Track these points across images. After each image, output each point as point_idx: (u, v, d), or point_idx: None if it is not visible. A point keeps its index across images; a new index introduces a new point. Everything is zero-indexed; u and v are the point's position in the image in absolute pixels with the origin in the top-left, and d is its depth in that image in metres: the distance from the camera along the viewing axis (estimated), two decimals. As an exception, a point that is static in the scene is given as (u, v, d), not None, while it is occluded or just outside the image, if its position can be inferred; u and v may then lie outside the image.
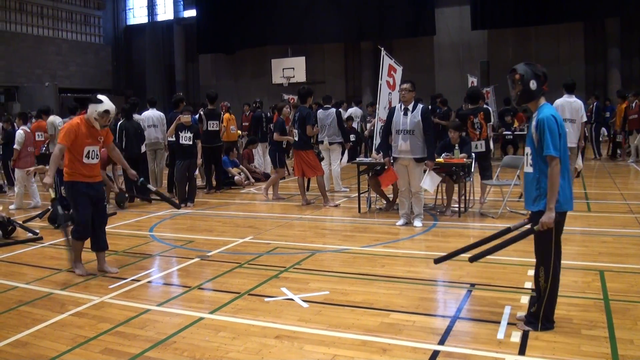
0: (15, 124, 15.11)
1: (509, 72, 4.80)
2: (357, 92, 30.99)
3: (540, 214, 4.57)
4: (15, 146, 12.53)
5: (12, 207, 12.24)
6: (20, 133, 12.56)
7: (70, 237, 6.95)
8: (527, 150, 4.76)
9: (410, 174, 8.97)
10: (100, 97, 6.93)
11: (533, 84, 4.66)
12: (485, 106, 11.65)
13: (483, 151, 10.50)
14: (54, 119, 14.80)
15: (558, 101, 10.95)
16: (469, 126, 10.44)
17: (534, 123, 4.63)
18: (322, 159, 12.42)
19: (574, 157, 10.91)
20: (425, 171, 8.99)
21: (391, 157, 9.13)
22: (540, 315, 4.66)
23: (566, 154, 4.59)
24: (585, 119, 11.46)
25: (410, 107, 8.92)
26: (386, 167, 9.45)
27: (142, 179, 7.34)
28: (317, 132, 11.91)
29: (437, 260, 5.50)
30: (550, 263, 4.59)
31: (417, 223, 9.08)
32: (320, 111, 12.73)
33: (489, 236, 5.13)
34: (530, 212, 4.75)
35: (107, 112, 6.83)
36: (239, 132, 21.64)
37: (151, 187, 7.47)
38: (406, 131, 8.85)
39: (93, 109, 6.82)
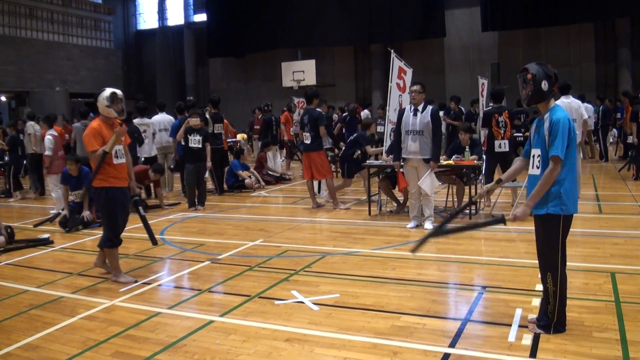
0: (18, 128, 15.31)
1: (520, 71, 4.73)
2: (367, 95, 30.99)
3: (545, 218, 4.57)
4: (46, 152, 12.56)
5: (53, 211, 12.17)
6: (49, 139, 12.58)
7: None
8: (536, 152, 4.66)
9: (419, 176, 8.93)
10: (102, 89, 6.91)
11: (545, 85, 4.58)
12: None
13: (506, 151, 10.37)
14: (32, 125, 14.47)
15: (556, 103, 10.82)
16: (493, 125, 10.26)
17: (546, 124, 4.55)
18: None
19: (578, 156, 10.83)
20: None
21: (401, 160, 9.12)
22: (554, 319, 4.62)
23: (574, 158, 4.57)
24: (586, 117, 11.33)
25: (420, 107, 8.91)
26: (397, 170, 9.49)
27: (137, 197, 7.29)
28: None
29: (413, 250, 5.57)
30: (557, 266, 4.56)
31: (428, 225, 9.05)
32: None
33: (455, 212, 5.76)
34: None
35: (114, 93, 6.75)
36: (244, 135, 21.73)
37: (141, 210, 7.41)
38: (415, 132, 8.83)
39: (101, 100, 6.72)
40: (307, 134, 11.23)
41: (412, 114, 8.93)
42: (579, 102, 11.23)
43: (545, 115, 4.63)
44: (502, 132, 10.25)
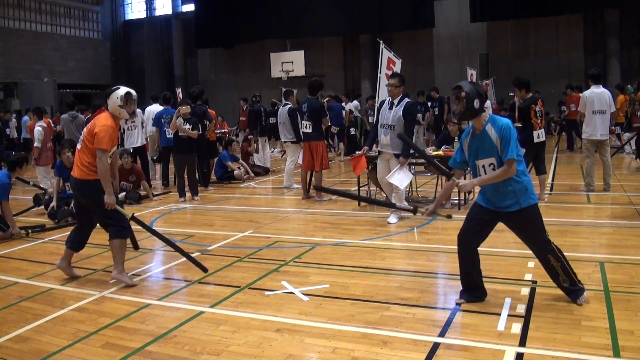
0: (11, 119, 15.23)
1: (453, 88, 4.94)
2: (357, 85, 30.97)
3: (523, 212, 4.89)
4: (35, 144, 12.59)
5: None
6: (39, 130, 12.59)
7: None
8: (486, 161, 4.88)
9: (391, 170, 8.86)
10: (115, 86, 6.51)
11: (476, 103, 4.80)
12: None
13: (544, 140, 10.08)
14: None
15: (586, 93, 10.60)
16: (532, 116, 9.85)
17: (493, 133, 4.79)
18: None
19: (605, 148, 10.69)
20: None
21: (376, 150, 9.22)
22: (575, 279, 4.99)
23: (521, 155, 4.88)
24: (614, 109, 11.14)
25: (396, 101, 8.85)
26: (359, 153, 9.81)
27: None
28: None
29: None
30: (551, 245, 4.90)
31: (392, 219, 8.94)
32: (280, 109, 13.04)
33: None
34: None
35: (128, 94, 6.28)
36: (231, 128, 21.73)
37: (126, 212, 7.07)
38: (387, 125, 8.78)
39: (114, 97, 6.21)
40: (307, 123, 11.14)
41: (388, 107, 8.89)
42: (608, 92, 10.85)
43: (486, 126, 4.87)
44: (539, 121, 9.94)
